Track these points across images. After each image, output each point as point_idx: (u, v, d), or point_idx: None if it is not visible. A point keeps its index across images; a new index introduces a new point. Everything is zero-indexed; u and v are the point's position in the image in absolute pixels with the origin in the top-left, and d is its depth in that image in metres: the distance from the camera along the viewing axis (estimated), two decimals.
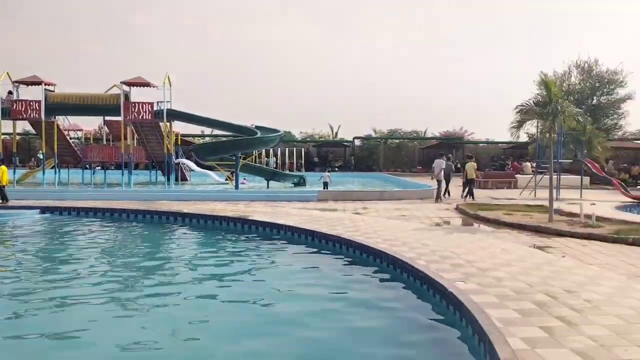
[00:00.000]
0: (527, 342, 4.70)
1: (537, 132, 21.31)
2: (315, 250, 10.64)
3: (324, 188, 22.35)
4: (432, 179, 20.04)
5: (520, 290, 6.47)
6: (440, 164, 19.73)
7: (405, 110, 70.52)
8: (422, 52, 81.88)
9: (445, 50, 78.73)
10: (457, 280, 6.95)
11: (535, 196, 20.31)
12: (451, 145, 43.52)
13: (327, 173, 24.55)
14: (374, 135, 48.97)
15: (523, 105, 13.06)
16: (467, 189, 19.73)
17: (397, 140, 47.28)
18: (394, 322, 6.45)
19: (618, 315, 5.48)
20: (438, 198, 19.34)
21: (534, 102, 13.10)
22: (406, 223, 12.89)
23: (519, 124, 13.25)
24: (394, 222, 12.96)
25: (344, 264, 9.44)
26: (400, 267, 8.30)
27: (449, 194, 20.26)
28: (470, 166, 19.98)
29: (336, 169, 38.52)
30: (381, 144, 46.29)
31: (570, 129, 15.37)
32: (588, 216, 12.54)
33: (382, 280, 8.29)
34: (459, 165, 33.63)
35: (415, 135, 49.05)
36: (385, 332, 6.14)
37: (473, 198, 19.39)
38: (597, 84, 37.12)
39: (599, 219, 12.74)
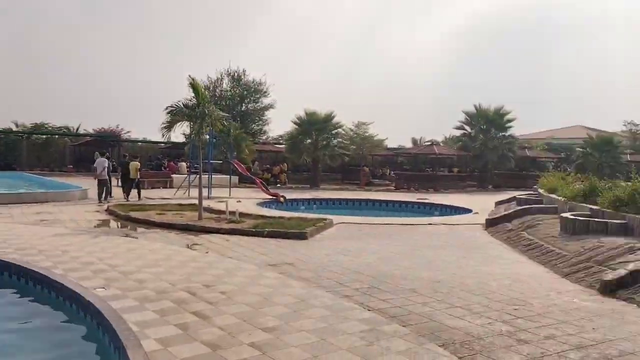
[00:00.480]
0: (161, 342, 4.69)
1: (190, 133, 22.16)
2: None
3: None
4: (95, 178, 18.74)
5: (162, 290, 6.48)
6: (102, 162, 18.68)
7: (56, 104, 64.17)
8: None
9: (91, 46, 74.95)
10: (97, 287, 6.53)
11: (189, 195, 21.06)
12: (107, 143, 41.52)
13: None
14: (15, 128, 42.79)
15: (173, 107, 13.31)
16: (131, 188, 19.32)
17: (44, 136, 42.43)
18: (26, 342, 5.63)
19: (247, 303, 6.01)
20: (101, 198, 18.24)
21: (183, 104, 13.49)
22: (47, 229, 11.58)
23: (170, 125, 13.45)
24: (32, 229, 11.48)
25: None
26: (33, 279, 7.33)
27: (110, 195, 19.32)
28: (134, 166, 19.55)
29: None
30: (24, 139, 40.83)
31: (218, 131, 16.44)
32: (233, 213, 13.64)
33: (11, 295, 7.18)
34: (115, 164, 32.33)
35: (65, 130, 44.92)
36: (15, 353, 5.28)
37: (128, 199, 18.96)
38: (245, 92, 41.04)
39: (242, 214, 14.01)
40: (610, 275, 7.08)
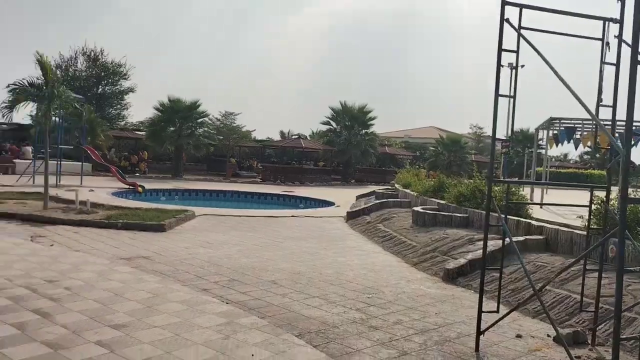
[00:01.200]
0: None
1: (37, 114, 20.18)
2: None
3: None
4: None
5: None
6: None
7: None
8: None
9: None
10: None
11: (34, 182, 19.17)
12: None
13: None
14: None
15: (16, 85, 11.97)
16: None
17: None
18: None
19: (95, 299, 5.59)
20: None
21: (28, 83, 12.18)
22: None
23: (12, 105, 12.09)
24: None
25: None
26: None
27: None
28: None
29: None
30: None
31: (68, 114, 15.12)
32: (84, 203, 12.66)
33: None
34: None
35: None
36: None
37: None
38: (102, 74, 38.28)
39: (95, 205, 13.08)
40: (452, 264, 7.73)
